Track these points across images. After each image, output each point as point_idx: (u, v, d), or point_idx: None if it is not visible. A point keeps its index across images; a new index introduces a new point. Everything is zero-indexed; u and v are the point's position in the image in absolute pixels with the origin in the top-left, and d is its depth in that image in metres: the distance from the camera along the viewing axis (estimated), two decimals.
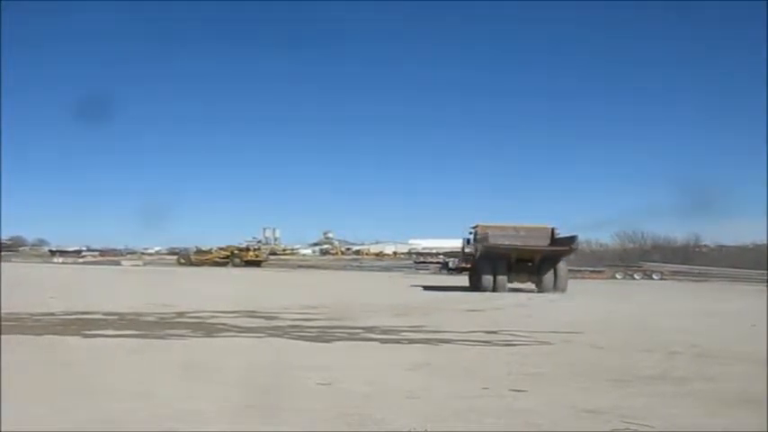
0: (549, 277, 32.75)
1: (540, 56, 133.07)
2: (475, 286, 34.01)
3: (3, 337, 13.94)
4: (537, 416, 7.62)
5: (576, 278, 55.28)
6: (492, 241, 33.43)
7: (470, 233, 36.57)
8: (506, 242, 34.02)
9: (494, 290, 31.87)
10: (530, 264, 33.29)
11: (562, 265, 33.72)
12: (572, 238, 34.66)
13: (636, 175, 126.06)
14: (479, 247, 34.04)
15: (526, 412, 7.79)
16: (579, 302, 28.49)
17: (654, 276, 57.32)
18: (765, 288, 37.79)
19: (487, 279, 32.50)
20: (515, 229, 35.48)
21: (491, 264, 32.84)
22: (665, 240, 74.16)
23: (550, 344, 14.16)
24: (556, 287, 32.43)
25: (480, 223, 35.94)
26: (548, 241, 34.48)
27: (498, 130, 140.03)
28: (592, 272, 58.99)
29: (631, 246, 75.00)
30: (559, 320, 19.23)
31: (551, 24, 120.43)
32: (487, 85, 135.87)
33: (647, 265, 61.22)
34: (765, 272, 50.62)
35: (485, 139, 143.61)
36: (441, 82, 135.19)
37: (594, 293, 34.90)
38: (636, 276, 57.81)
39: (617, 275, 58.05)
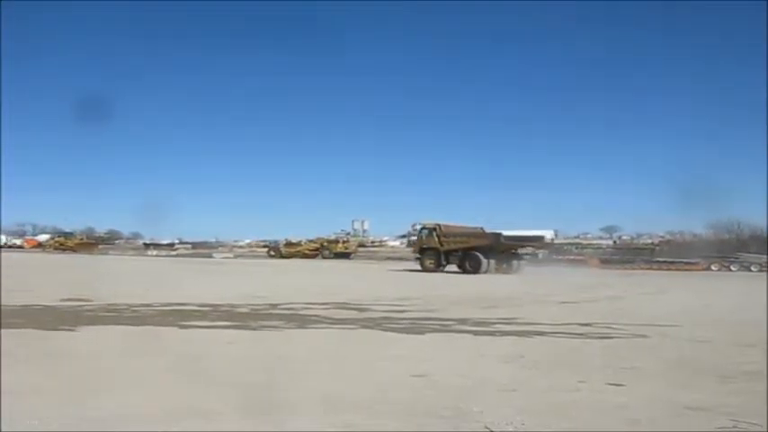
0: (515, 264, 45.80)
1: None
2: (427, 269, 45.25)
3: (104, 327, 14.47)
4: (637, 411, 7.46)
5: (669, 270, 54.39)
6: (503, 238, 45.70)
7: (425, 228, 48.22)
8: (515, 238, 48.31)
9: (486, 272, 43.04)
10: (502, 253, 45.39)
11: (522, 257, 47.59)
12: (540, 237, 56.13)
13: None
14: (490, 240, 45.16)
15: (625, 408, 7.64)
16: (675, 295, 27.89)
17: (752, 268, 55.42)
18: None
19: (485, 263, 43.54)
20: (463, 227, 48.35)
21: (485, 253, 44.02)
22: (763, 230, 71.62)
23: (647, 337, 13.85)
24: (518, 271, 45.02)
25: (440, 222, 47.87)
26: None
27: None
28: (686, 263, 57.54)
29: (727, 236, 72.64)
30: (655, 313, 18.84)
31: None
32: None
33: (745, 257, 59.23)
34: None
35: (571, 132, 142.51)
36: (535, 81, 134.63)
37: (690, 286, 34.21)
38: (732, 268, 56.07)
39: (712, 267, 56.43)
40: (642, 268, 56.65)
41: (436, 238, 46.36)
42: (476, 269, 43.35)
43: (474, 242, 45.14)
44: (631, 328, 15.01)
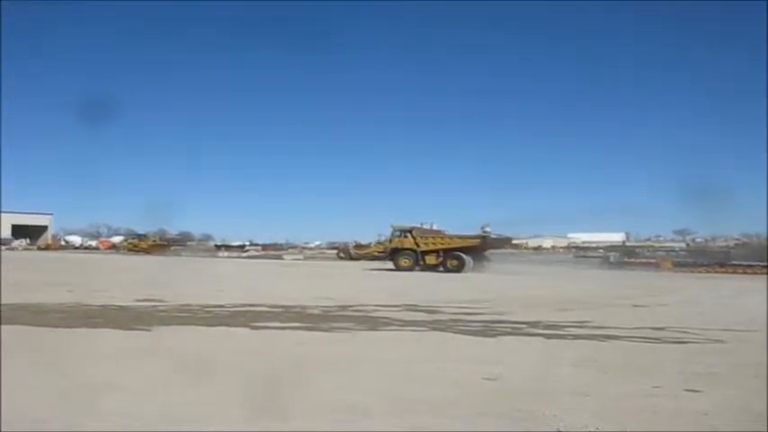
0: (485, 264, 48.98)
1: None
2: (401, 268, 47.75)
3: (177, 327, 14.78)
4: (714, 418, 7.37)
5: (745, 273, 52.94)
6: (491, 238, 50.29)
7: (398, 231, 50.52)
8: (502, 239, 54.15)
9: (466, 271, 46.08)
10: (479, 254, 49.23)
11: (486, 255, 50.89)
12: (510, 239, 59.64)
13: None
14: (479, 241, 49.14)
15: (703, 414, 7.55)
16: (752, 299, 27.15)
17: None
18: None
19: (469, 261, 46.96)
20: (432, 230, 52.12)
21: (466, 252, 47.70)
22: None
23: (723, 342, 13.59)
24: (486, 269, 47.94)
25: (415, 226, 51.08)
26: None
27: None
28: (763, 266, 55.96)
29: None
30: (731, 318, 18.37)
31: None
32: None
33: None
34: None
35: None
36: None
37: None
38: None
39: None
40: (717, 271, 55.21)
41: (412, 240, 49.37)
42: (459, 269, 46.62)
43: (460, 243, 48.70)
44: (707, 333, 14.74)
